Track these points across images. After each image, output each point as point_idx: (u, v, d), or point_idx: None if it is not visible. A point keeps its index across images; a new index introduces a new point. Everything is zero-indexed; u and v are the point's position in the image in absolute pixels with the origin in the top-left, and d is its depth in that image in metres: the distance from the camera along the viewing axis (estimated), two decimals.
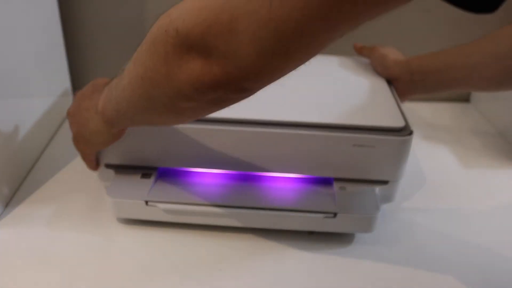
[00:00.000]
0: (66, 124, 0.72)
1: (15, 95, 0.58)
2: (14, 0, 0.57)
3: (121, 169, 0.53)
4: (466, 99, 0.83)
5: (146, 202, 0.49)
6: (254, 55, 0.28)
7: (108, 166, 0.53)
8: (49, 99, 0.69)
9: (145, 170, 0.52)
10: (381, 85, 0.58)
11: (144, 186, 0.50)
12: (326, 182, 0.52)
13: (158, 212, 0.49)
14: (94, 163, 0.53)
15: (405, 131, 0.49)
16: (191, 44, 0.29)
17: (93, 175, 0.57)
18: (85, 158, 0.52)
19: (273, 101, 0.53)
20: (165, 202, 0.49)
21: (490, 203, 0.57)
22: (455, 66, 0.56)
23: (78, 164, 0.63)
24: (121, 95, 0.38)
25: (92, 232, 0.51)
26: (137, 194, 0.50)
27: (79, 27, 0.77)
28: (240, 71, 0.29)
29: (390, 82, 0.60)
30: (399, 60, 0.60)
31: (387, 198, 0.53)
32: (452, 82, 0.57)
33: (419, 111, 0.79)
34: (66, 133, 0.70)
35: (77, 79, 0.80)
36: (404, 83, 0.59)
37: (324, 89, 0.56)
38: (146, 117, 0.38)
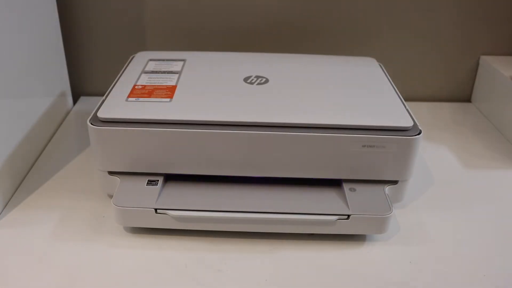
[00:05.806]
0: (65, 124, 0.72)
1: (14, 95, 0.57)
2: (13, 1, 0.56)
3: (125, 176, 0.51)
4: (467, 99, 0.84)
5: (156, 210, 0.48)
6: None
7: (112, 173, 0.52)
8: (48, 99, 0.68)
9: (150, 177, 0.51)
10: (385, 85, 0.58)
11: (151, 193, 0.49)
12: (334, 183, 0.52)
13: (167, 219, 0.48)
14: None
15: (414, 131, 0.50)
16: None
17: (93, 174, 0.56)
18: None
19: (280, 103, 0.52)
20: (176, 210, 0.48)
21: (491, 203, 0.57)
22: None
23: (77, 164, 0.62)
24: None
25: (94, 233, 0.50)
26: (146, 202, 0.48)
27: (77, 27, 0.76)
28: None
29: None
30: None
31: (396, 198, 0.53)
32: None
33: (420, 111, 0.79)
34: (65, 134, 0.69)
35: (76, 79, 0.79)
36: None
37: (330, 89, 0.56)
38: None
